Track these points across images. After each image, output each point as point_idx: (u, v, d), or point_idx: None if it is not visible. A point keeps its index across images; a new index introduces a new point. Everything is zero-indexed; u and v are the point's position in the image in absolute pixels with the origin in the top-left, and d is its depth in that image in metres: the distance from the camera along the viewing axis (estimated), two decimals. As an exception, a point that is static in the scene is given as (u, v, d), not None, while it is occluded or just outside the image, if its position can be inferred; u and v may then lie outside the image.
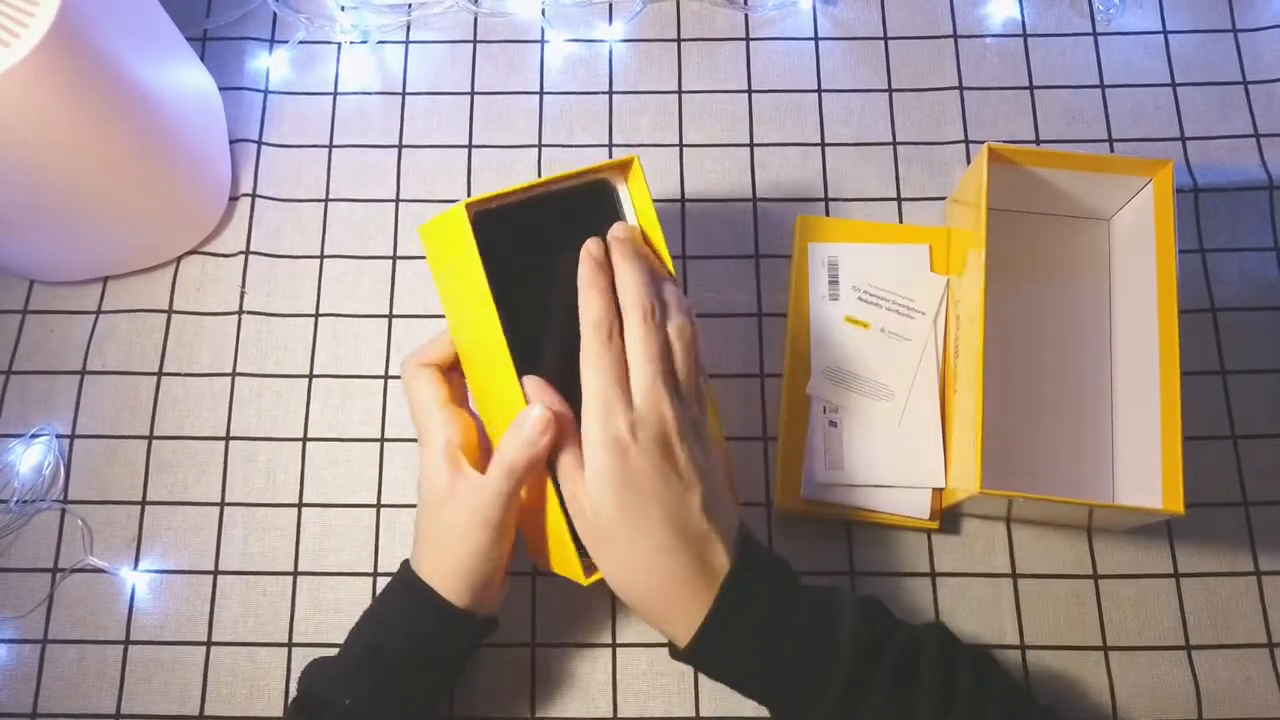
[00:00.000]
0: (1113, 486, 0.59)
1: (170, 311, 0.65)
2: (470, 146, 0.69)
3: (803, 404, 0.61)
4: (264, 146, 0.69)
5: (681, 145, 0.68)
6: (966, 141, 0.68)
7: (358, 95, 0.70)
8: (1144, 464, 0.55)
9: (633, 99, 0.70)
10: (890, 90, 0.70)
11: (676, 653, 0.48)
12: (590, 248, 0.48)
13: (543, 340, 0.48)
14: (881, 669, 0.46)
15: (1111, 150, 0.68)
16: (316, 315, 0.65)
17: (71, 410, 0.63)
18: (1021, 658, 0.58)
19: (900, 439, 0.60)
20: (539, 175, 0.68)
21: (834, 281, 0.63)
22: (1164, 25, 0.71)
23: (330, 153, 0.69)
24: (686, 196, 0.67)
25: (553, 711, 0.57)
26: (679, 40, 0.71)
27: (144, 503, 0.61)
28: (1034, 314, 0.63)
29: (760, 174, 0.67)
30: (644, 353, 0.46)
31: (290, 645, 0.59)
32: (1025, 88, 0.69)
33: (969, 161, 0.67)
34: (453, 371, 0.51)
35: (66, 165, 0.55)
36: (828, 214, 0.66)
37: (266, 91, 0.70)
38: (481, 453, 0.51)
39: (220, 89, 0.68)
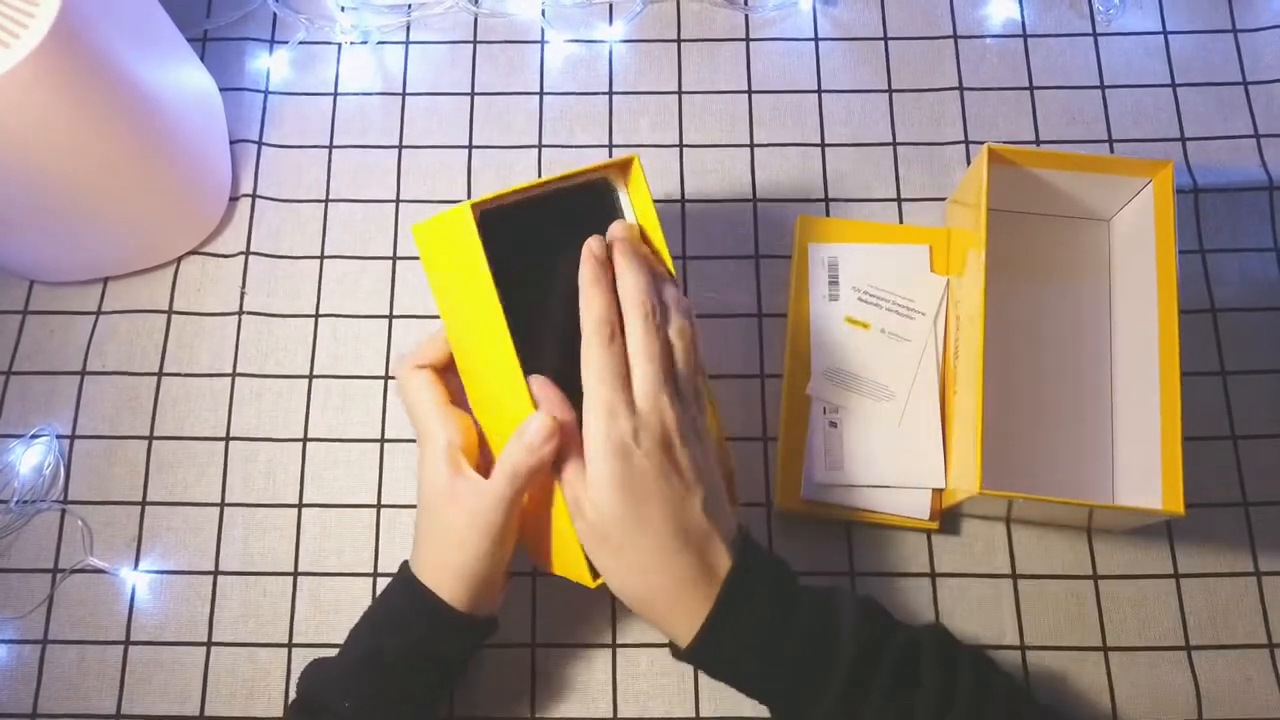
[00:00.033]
0: (1113, 487, 0.59)
1: (170, 312, 0.65)
2: (470, 147, 0.69)
3: (803, 404, 0.61)
4: (264, 147, 0.69)
5: (681, 146, 0.68)
6: (966, 142, 0.68)
7: (358, 96, 0.70)
8: (1144, 464, 0.55)
9: (633, 99, 0.70)
10: (890, 91, 0.70)
11: (678, 653, 0.48)
12: (592, 246, 0.48)
13: (543, 339, 0.48)
14: (881, 669, 0.46)
15: (1111, 151, 0.68)
16: (316, 316, 0.65)
17: (72, 411, 0.63)
18: (1021, 658, 0.58)
19: (900, 439, 0.60)
20: (539, 176, 0.68)
21: (834, 282, 0.63)
22: (1164, 26, 0.71)
23: (330, 153, 0.69)
24: (686, 197, 0.67)
25: (553, 712, 0.57)
26: (679, 41, 0.71)
27: (144, 503, 0.61)
28: (1034, 314, 0.63)
29: (760, 174, 0.67)
30: (646, 354, 0.46)
31: (290, 646, 0.59)
32: (1025, 88, 0.69)
33: (969, 162, 0.67)
34: (448, 372, 0.51)
35: (67, 166, 0.55)
36: (828, 214, 0.66)
37: (267, 92, 0.70)
38: (480, 454, 0.51)
39: (220, 89, 0.68)
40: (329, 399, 0.63)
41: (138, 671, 0.58)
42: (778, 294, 0.65)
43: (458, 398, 0.51)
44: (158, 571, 0.60)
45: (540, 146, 0.69)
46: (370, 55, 0.71)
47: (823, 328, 0.62)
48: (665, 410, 0.46)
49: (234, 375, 0.63)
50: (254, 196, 0.67)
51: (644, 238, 0.52)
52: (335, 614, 0.59)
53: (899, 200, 0.67)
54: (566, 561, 0.50)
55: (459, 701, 0.57)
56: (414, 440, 0.60)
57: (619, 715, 0.57)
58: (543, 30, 0.72)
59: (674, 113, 0.69)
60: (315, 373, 0.64)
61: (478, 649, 0.53)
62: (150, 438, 0.62)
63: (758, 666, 0.47)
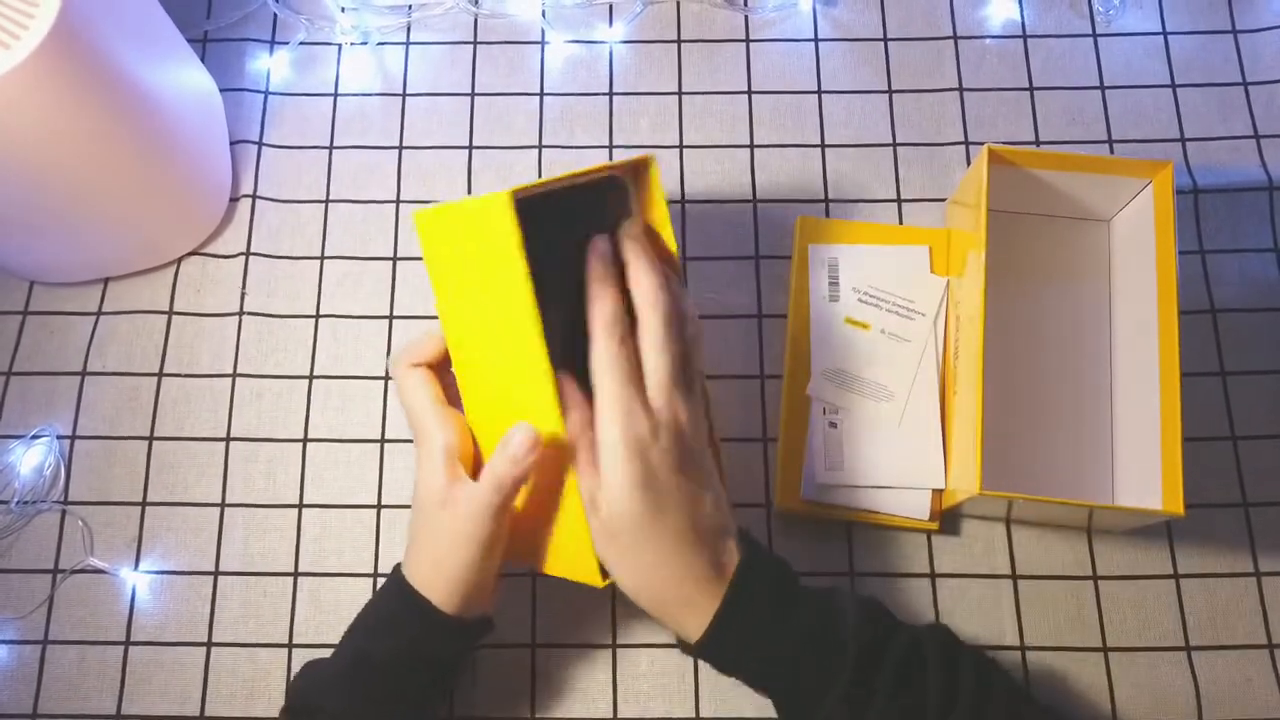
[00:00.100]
0: (1112, 487, 0.59)
1: (171, 313, 0.65)
2: (470, 148, 0.69)
3: (803, 405, 0.61)
4: (264, 148, 0.69)
5: (681, 146, 0.68)
6: (966, 143, 0.68)
7: (358, 96, 0.70)
8: (1144, 465, 0.55)
9: (633, 100, 0.70)
10: (890, 91, 0.70)
11: (687, 648, 0.48)
12: (599, 245, 0.48)
13: (555, 336, 0.48)
14: (884, 669, 0.46)
15: (1111, 151, 0.68)
16: (317, 316, 0.65)
17: (72, 411, 0.63)
18: (1021, 659, 0.58)
19: (900, 440, 0.60)
20: (539, 176, 0.68)
21: (834, 282, 0.63)
22: (1164, 26, 0.71)
23: (331, 154, 0.69)
24: (686, 197, 0.67)
25: (553, 712, 0.57)
26: (679, 41, 0.71)
27: (144, 504, 0.61)
28: (1034, 315, 0.63)
29: (760, 175, 0.67)
30: (661, 353, 0.46)
31: (290, 646, 0.59)
32: (1025, 89, 0.69)
33: (969, 163, 0.67)
34: (442, 369, 0.51)
35: (67, 166, 0.55)
36: (828, 215, 0.66)
37: (267, 93, 0.70)
38: (476, 456, 0.51)
39: (221, 90, 0.68)
40: (329, 399, 0.63)
41: (138, 672, 0.58)
42: (778, 295, 0.65)
43: (455, 396, 0.51)
44: (158, 572, 0.60)
45: (540, 147, 0.69)
46: (370, 56, 0.71)
47: (823, 328, 0.62)
48: (679, 409, 0.46)
49: (234, 376, 0.63)
50: (254, 197, 0.67)
51: (655, 236, 0.51)
52: (335, 614, 0.59)
53: (899, 201, 0.67)
54: (571, 562, 0.49)
55: (459, 702, 0.57)
56: (413, 440, 0.60)
57: (619, 716, 0.57)
58: (543, 31, 0.72)
59: (674, 113, 0.69)
60: (315, 373, 0.64)
61: (471, 650, 0.53)
62: (150, 438, 0.62)
63: (760, 666, 0.47)
